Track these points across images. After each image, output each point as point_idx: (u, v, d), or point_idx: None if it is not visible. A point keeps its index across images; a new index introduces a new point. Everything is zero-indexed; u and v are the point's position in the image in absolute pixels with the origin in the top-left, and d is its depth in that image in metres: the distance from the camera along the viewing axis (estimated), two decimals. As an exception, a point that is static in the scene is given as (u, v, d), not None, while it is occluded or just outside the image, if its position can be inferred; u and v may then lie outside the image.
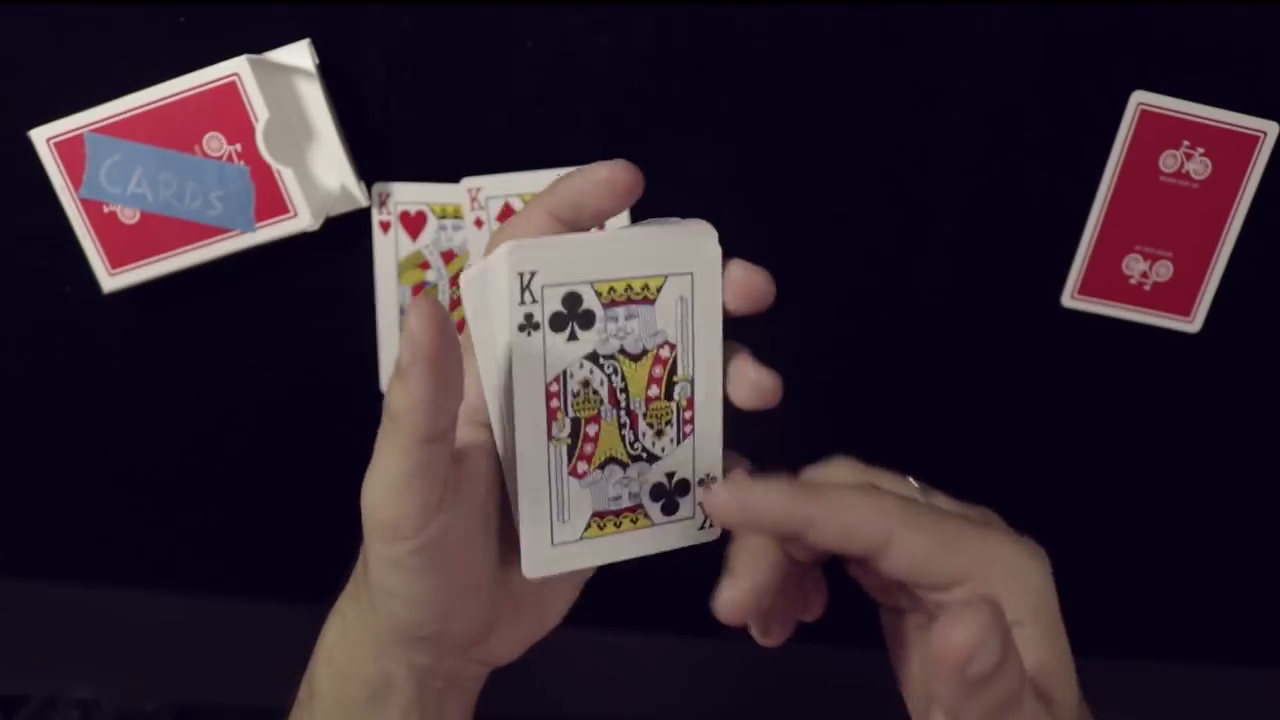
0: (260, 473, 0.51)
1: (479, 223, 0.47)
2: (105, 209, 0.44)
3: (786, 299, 0.49)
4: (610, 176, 0.32)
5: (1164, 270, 0.47)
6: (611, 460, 0.33)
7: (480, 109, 0.46)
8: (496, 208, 0.46)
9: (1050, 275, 0.48)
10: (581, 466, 0.33)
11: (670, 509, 0.34)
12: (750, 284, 0.33)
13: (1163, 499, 0.52)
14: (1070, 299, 0.48)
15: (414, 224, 0.47)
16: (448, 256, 0.48)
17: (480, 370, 0.33)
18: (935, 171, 0.47)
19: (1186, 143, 0.46)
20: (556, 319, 0.32)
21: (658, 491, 0.34)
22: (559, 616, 0.38)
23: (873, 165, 0.47)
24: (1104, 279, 0.48)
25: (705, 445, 0.34)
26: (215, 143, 0.44)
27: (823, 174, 0.48)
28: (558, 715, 0.55)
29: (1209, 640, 0.54)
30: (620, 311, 0.33)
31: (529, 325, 0.32)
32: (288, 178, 0.44)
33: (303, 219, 0.44)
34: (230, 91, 0.43)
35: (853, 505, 0.32)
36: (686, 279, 0.33)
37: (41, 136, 0.43)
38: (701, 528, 0.35)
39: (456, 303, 0.49)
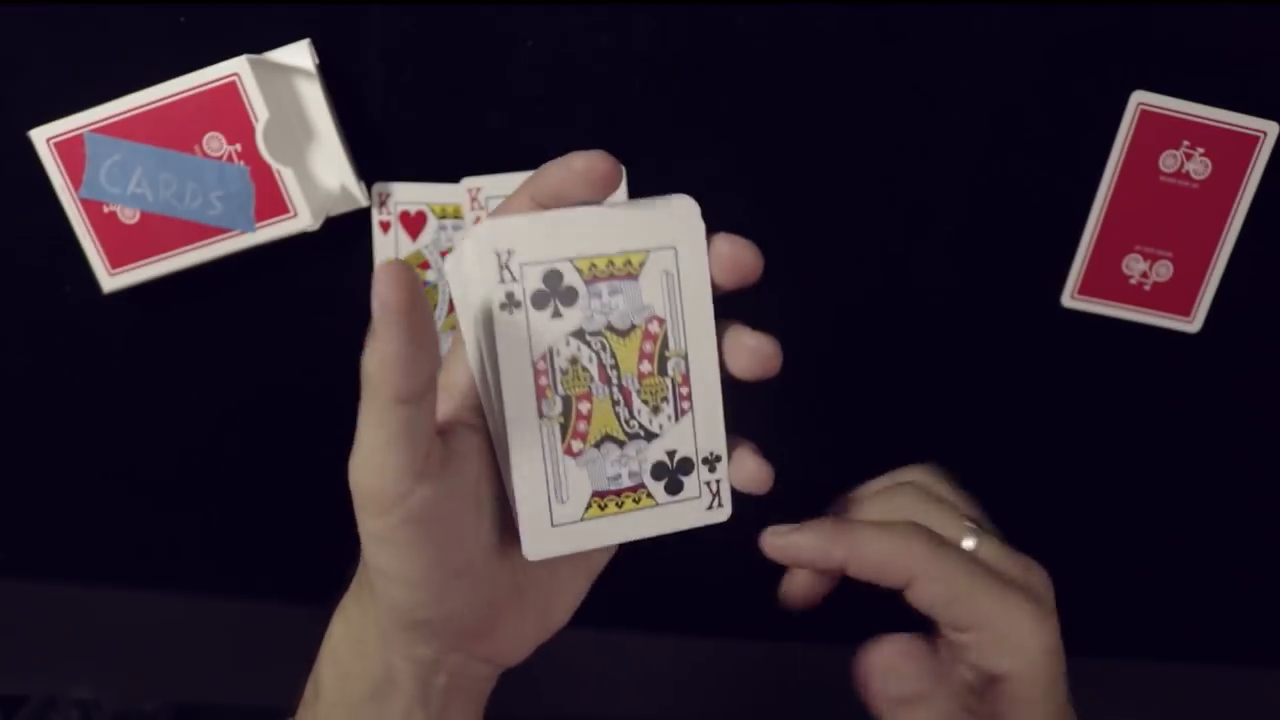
0: (260, 473, 0.51)
1: (479, 223, 0.47)
2: (105, 209, 0.44)
3: (786, 299, 0.49)
4: (587, 166, 0.32)
5: (1164, 270, 0.47)
6: (607, 438, 0.33)
7: (480, 109, 0.46)
8: (496, 208, 0.46)
9: (1050, 275, 0.48)
10: (576, 445, 0.33)
11: (675, 488, 0.34)
12: (737, 257, 0.33)
13: (1162, 499, 0.52)
14: (1070, 299, 0.48)
15: (414, 224, 0.48)
16: (448, 256, 0.48)
17: (468, 352, 0.33)
18: (935, 171, 0.47)
19: (1186, 143, 0.46)
20: (538, 296, 0.32)
21: (659, 470, 0.34)
22: (566, 615, 0.37)
23: (873, 165, 0.47)
24: (1104, 279, 0.48)
25: (706, 422, 0.34)
26: (215, 143, 0.44)
27: (822, 174, 0.48)
28: (558, 715, 0.55)
29: (1209, 640, 0.54)
30: (603, 287, 0.33)
31: (510, 304, 0.32)
32: (288, 178, 0.44)
33: (303, 219, 0.44)
34: (230, 91, 0.43)
35: (881, 550, 0.37)
36: (670, 253, 0.33)
37: (41, 136, 0.43)
38: (710, 507, 0.34)
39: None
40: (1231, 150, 0.46)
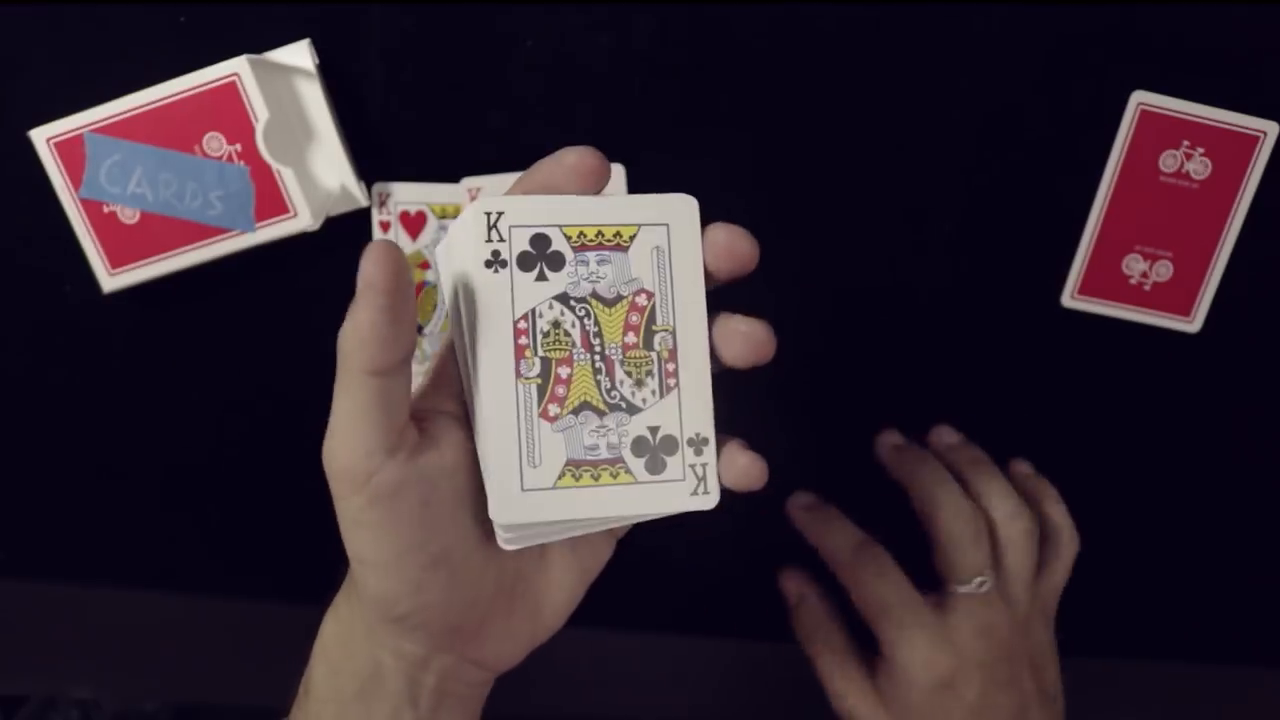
0: (260, 473, 0.51)
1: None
2: (105, 209, 0.44)
3: (785, 298, 0.49)
4: (577, 162, 0.32)
5: (1164, 270, 0.47)
6: (586, 406, 0.32)
7: (480, 109, 0.46)
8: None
9: (1050, 275, 0.48)
10: (553, 409, 0.32)
11: (656, 467, 0.33)
12: (733, 245, 0.33)
13: (1162, 499, 0.52)
14: (1070, 299, 0.48)
15: (414, 224, 0.48)
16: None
17: (449, 312, 0.33)
18: (935, 171, 0.47)
19: (1186, 143, 0.46)
20: (524, 258, 0.32)
21: (640, 445, 0.33)
22: (559, 619, 0.37)
23: (873, 165, 0.47)
24: (1104, 279, 0.48)
25: (693, 401, 0.33)
26: (215, 143, 0.44)
27: (823, 173, 0.48)
28: (557, 715, 0.55)
29: (1209, 640, 0.54)
30: (591, 255, 0.33)
31: (495, 262, 0.32)
32: (288, 178, 0.44)
33: (303, 219, 0.44)
34: (230, 91, 0.43)
35: (823, 546, 0.48)
36: (662, 229, 0.33)
37: (41, 136, 0.43)
38: (695, 492, 0.33)
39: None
40: (1231, 150, 0.46)
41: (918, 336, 0.50)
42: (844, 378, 0.50)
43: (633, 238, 0.33)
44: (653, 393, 0.33)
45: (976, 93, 0.46)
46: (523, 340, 0.32)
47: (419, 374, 0.35)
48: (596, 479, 0.32)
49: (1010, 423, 0.51)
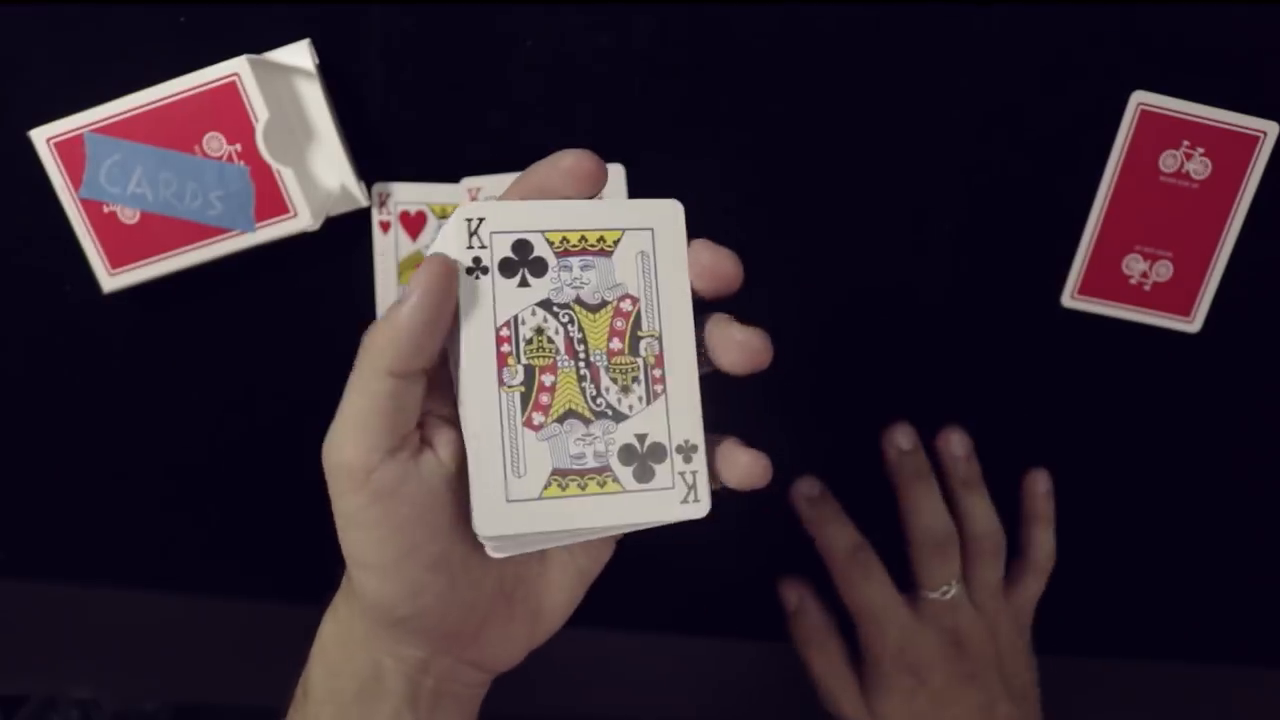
0: (260, 473, 0.51)
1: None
2: (105, 209, 0.44)
3: (785, 298, 0.49)
4: (574, 165, 0.32)
5: (1164, 270, 0.47)
6: (571, 414, 0.32)
7: (480, 109, 0.46)
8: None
9: (1050, 275, 0.48)
10: (538, 418, 0.32)
11: (645, 475, 0.32)
12: (716, 266, 0.33)
13: (1162, 499, 0.52)
14: (1070, 299, 0.48)
15: (414, 224, 0.47)
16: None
17: None
18: (935, 171, 0.47)
19: (1186, 143, 0.46)
20: (506, 264, 0.32)
21: (628, 454, 0.32)
22: (558, 621, 0.37)
23: (873, 165, 0.47)
24: (1104, 279, 0.48)
25: (680, 408, 0.33)
26: (215, 143, 0.44)
27: (822, 174, 0.48)
28: (557, 715, 0.55)
29: (1209, 640, 0.54)
30: (574, 261, 0.32)
31: (477, 269, 0.31)
32: (288, 178, 0.44)
33: (303, 219, 0.44)
34: (230, 91, 0.43)
35: (819, 537, 0.50)
36: (647, 234, 0.33)
37: (41, 136, 0.43)
38: (686, 501, 0.32)
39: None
40: (1231, 150, 0.46)
41: (918, 336, 0.50)
42: (844, 377, 0.50)
43: (617, 242, 0.32)
44: (639, 399, 0.32)
45: (976, 93, 0.46)
46: (505, 348, 0.31)
47: None
48: (583, 488, 0.32)
49: (1010, 422, 0.51)
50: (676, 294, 0.33)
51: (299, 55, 0.44)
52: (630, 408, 0.32)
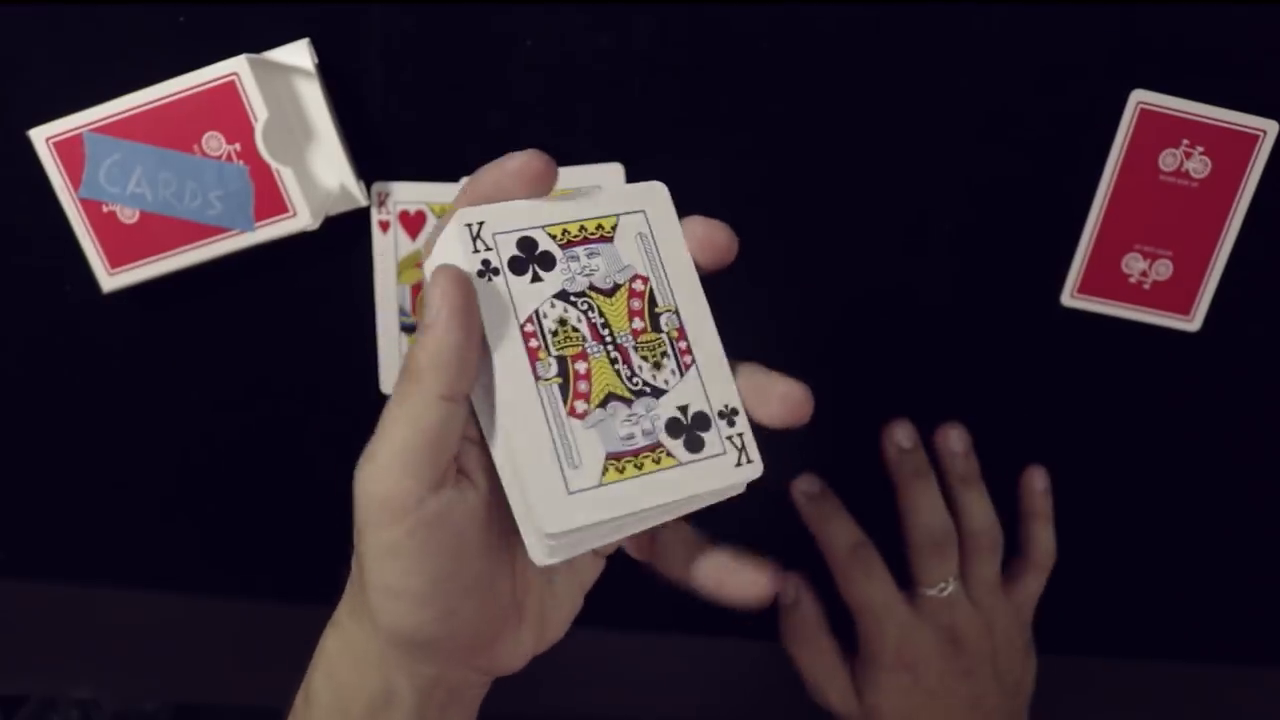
0: (260, 473, 0.51)
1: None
2: (105, 209, 0.44)
3: (785, 298, 0.49)
4: (522, 165, 0.32)
5: (1164, 269, 0.47)
6: (612, 397, 0.32)
7: (480, 109, 0.46)
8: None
9: (1050, 274, 0.48)
10: (580, 406, 0.32)
11: (695, 445, 0.32)
12: (712, 237, 0.33)
13: (1162, 499, 0.52)
14: (1070, 298, 0.48)
15: (414, 224, 0.47)
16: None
17: None
18: (935, 171, 0.47)
19: (1186, 142, 0.46)
20: (515, 262, 0.32)
21: (674, 427, 0.32)
22: (562, 627, 0.37)
23: (873, 165, 0.47)
24: (1104, 278, 0.48)
25: (713, 374, 0.33)
26: (214, 142, 0.44)
27: (822, 174, 0.48)
28: (558, 715, 0.55)
29: (1209, 640, 0.54)
30: (580, 250, 0.33)
31: (488, 271, 0.31)
32: (287, 177, 0.44)
33: (302, 219, 0.44)
34: (229, 91, 0.43)
35: (821, 534, 0.50)
36: (640, 216, 0.33)
37: (41, 136, 0.43)
38: (739, 463, 0.33)
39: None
40: (1231, 149, 0.46)
41: (917, 336, 0.50)
42: (844, 377, 0.50)
43: (614, 228, 0.33)
44: (673, 373, 0.33)
45: (976, 93, 0.46)
46: (533, 343, 0.31)
47: None
48: (640, 468, 0.32)
49: (1010, 422, 0.51)
50: (681, 268, 0.34)
51: (298, 55, 0.44)
52: (666, 382, 0.33)
